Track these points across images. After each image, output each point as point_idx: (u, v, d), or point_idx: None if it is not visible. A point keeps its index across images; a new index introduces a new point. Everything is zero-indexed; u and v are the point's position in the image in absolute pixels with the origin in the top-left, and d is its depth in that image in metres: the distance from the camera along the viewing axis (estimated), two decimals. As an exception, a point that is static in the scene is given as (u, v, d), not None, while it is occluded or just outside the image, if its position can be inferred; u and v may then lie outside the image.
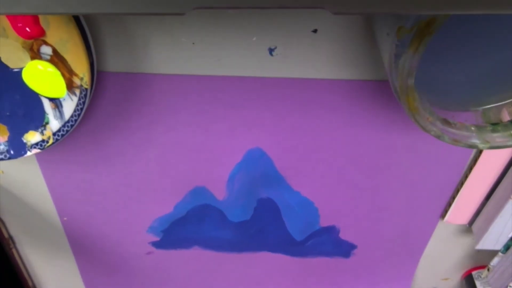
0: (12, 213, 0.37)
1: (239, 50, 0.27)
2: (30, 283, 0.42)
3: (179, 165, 0.33)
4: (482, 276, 0.40)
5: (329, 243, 0.39)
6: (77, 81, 0.24)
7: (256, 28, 0.26)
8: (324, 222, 0.37)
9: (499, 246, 0.35)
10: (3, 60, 0.24)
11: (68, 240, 0.39)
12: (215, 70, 0.28)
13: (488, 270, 0.39)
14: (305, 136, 0.31)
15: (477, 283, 0.40)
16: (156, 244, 0.39)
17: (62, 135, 0.26)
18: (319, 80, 0.28)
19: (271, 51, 0.27)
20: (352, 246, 0.39)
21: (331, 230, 0.38)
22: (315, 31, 0.26)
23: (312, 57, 0.27)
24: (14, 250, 0.39)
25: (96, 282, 0.43)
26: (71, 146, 0.32)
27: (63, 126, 0.26)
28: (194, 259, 0.41)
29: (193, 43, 0.26)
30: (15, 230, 0.39)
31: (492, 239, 0.35)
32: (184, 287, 0.44)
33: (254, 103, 0.29)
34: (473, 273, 0.41)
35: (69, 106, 0.25)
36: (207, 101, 0.29)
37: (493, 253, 0.38)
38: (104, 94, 0.29)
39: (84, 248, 0.40)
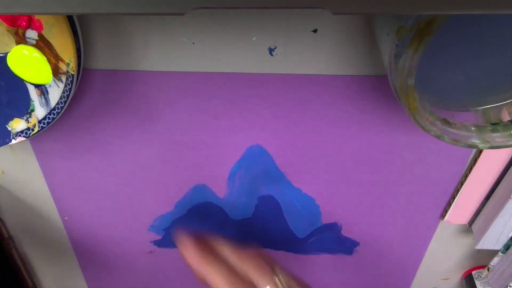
0: (12, 213, 0.37)
1: (239, 50, 0.27)
2: (30, 284, 0.42)
3: (179, 163, 0.33)
4: (482, 276, 0.40)
5: (331, 240, 0.39)
6: (63, 67, 0.24)
7: (256, 28, 0.26)
8: (326, 219, 0.37)
9: (499, 246, 0.35)
10: None
11: (70, 239, 0.39)
12: (215, 69, 0.28)
13: (488, 270, 0.39)
14: (306, 133, 0.31)
15: (477, 283, 0.40)
16: (158, 243, 0.39)
17: (48, 123, 0.26)
18: (320, 76, 0.28)
19: (271, 51, 0.27)
20: (355, 243, 0.39)
21: (333, 227, 0.38)
22: (315, 31, 0.26)
23: (312, 57, 0.27)
24: (14, 250, 0.39)
25: (98, 281, 0.43)
26: (72, 146, 0.32)
27: (49, 113, 0.26)
28: (195, 258, 0.41)
29: (193, 43, 0.26)
30: (15, 230, 0.39)
31: (492, 239, 0.35)
32: (187, 286, 0.44)
33: (254, 99, 0.29)
34: (473, 273, 0.41)
35: (55, 93, 0.25)
36: (207, 98, 0.29)
37: (493, 253, 0.38)
38: (102, 92, 0.29)
39: (85, 248, 0.40)
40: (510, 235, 0.34)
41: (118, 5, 0.13)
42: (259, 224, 0.37)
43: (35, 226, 0.38)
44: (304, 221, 0.37)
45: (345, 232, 0.38)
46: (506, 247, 0.36)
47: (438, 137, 0.23)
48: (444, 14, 0.17)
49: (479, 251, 0.40)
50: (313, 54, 0.27)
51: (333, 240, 0.39)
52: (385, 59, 0.22)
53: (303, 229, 0.38)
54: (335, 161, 0.33)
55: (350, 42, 0.26)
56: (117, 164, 0.33)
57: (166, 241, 0.39)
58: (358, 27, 0.26)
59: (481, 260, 0.41)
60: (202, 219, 0.37)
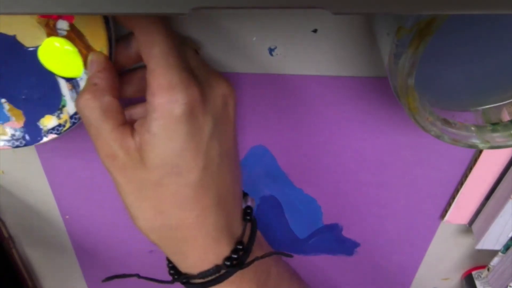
0: (12, 213, 0.37)
1: (239, 50, 0.27)
2: (30, 284, 0.42)
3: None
4: (482, 276, 0.40)
5: (332, 241, 0.39)
6: None
7: (256, 28, 0.26)
8: (327, 220, 0.37)
9: (499, 246, 0.35)
10: (19, 38, 0.22)
11: (70, 238, 0.39)
12: (215, 69, 0.28)
13: (488, 270, 0.39)
14: (307, 133, 0.31)
15: (477, 283, 0.40)
16: (157, 243, 0.39)
17: (79, 118, 0.25)
18: (322, 76, 0.28)
19: (271, 51, 0.27)
20: (355, 244, 0.39)
21: (334, 228, 0.38)
22: (315, 31, 0.26)
23: (312, 57, 0.27)
24: (14, 250, 0.39)
25: (98, 281, 0.43)
26: (75, 143, 0.32)
27: None
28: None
29: (193, 43, 0.26)
30: (15, 230, 0.39)
31: (492, 239, 0.35)
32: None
33: (256, 100, 0.29)
34: (473, 273, 0.41)
35: None
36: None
37: (493, 253, 0.38)
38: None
39: (86, 247, 0.40)
40: (510, 235, 0.34)
41: (118, 5, 0.13)
42: (260, 224, 0.37)
43: (36, 226, 0.38)
44: (305, 222, 0.37)
45: (346, 233, 0.38)
46: (506, 247, 0.36)
47: (438, 137, 0.23)
48: (444, 14, 0.17)
49: (479, 251, 0.40)
50: (313, 54, 0.27)
51: (334, 240, 0.39)
52: (385, 59, 0.22)
53: (304, 229, 0.38)
54: (336, 161, 0.33)
55: (350, 42, 0.26)
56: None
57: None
58: (358, 27, 0.26)
59: (481, 260, 0.41)
60: (202, 219, 0.37)
